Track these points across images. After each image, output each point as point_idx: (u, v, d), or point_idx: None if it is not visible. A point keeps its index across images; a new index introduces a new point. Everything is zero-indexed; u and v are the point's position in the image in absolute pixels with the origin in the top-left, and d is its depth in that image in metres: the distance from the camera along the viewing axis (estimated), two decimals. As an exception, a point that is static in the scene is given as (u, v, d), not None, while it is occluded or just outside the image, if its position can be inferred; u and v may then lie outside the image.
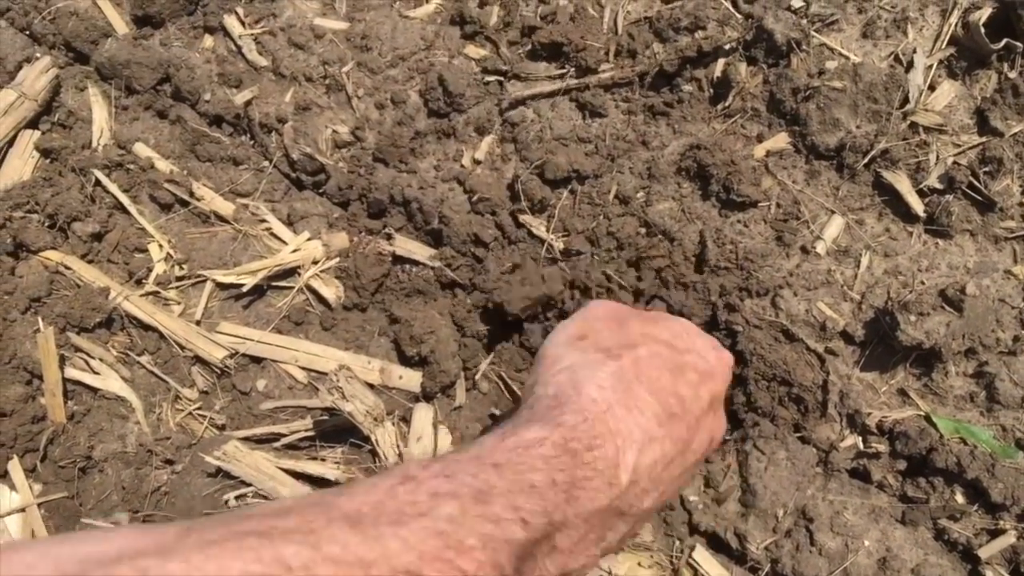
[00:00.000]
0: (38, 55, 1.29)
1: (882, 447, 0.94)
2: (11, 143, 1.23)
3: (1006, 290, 0.93)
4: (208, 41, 1.27)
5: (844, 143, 0.98)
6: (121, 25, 1.30)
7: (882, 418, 0.95)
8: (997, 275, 0.94)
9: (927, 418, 0.93)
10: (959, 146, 0.97)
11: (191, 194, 1.21)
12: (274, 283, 1.18)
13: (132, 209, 1.21)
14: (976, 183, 0.94)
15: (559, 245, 1.08)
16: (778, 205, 1.01)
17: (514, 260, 1.09)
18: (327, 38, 1.19)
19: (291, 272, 1.17)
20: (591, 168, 1.07)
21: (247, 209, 1.21)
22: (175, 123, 1.27)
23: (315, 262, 1.17)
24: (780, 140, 1.02)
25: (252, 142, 1.25)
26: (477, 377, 1.11)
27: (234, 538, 0.39)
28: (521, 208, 1.09)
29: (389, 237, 1.15)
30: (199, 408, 1.14)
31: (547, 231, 1.08)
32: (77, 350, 1.15)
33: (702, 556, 0.94)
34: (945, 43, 0.99)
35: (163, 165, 1.24)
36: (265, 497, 1.05)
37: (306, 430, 1.10)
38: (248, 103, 1.22)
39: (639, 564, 0.94)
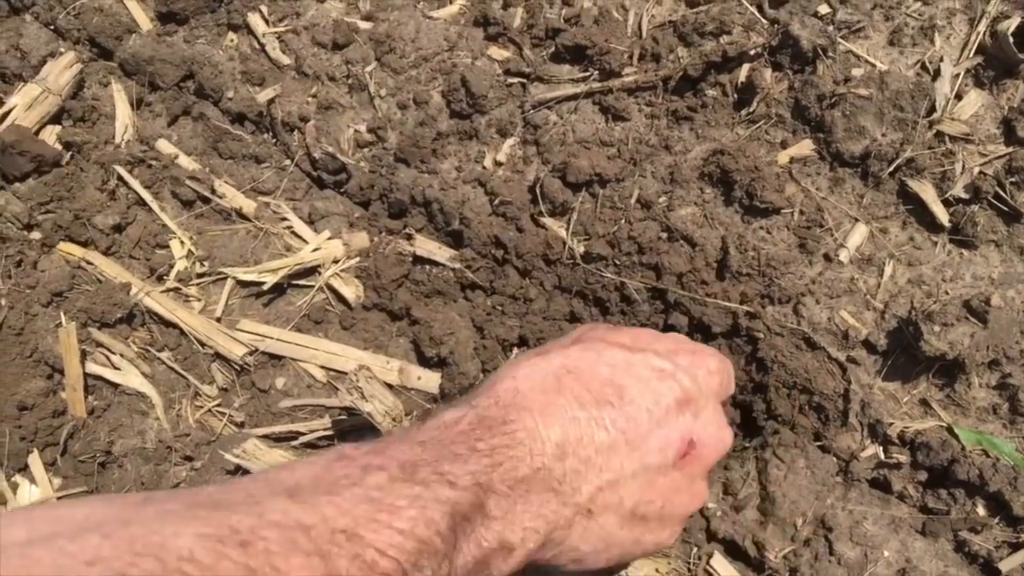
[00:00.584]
0: (62, 50, 1.30)
1: (903, 457, 0.94)
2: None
3: (1031, 302, 0.93)
4: (232, 38, 1.27)
5: (869, 151, 0.98)
6: (145, 21, 1.30)
7: (904, 428, 0.94)
8: (1022, 286, 0.93)
9: (949, 429, 0.93)
10: (985, 156, 0.96)
11: (213, 191, 1.22)
12: (294, 281, 1.18)
13: (154, 205, 1.22)
14: (1002, 193, 0.93)
15: (580, 249, 1.08)
16: (801, 212, 1.01)
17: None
18: (350, 37, 1.19)
19: (311, 271, 1.18)
20: (613, 172, 1.07)
21: (268, 207, 1.22)
22: (198, 120, 1.27)
23: (335, 261, 1.17)
24: (804, 147, 1.02)
25: (274, 140, 1.25)
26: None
27: (187, 509, 0.43)
28: (542, 211, 1.09)
29: (409, 237, 1.16)
30: (218, 405, 1.14)
31: (568, 234, 1.08)
32: (98, 345, 1.15)
33: (720, 563, 0.94)
34: (973, 52, 0.98)
35: (185, 162, 1.25)
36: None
37: (324, 429, 1.10)
38: (271, 101, 1.22)
39: (656, 570, 0.94)
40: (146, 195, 1.22)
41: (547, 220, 1.09)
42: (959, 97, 0.98)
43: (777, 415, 1.00)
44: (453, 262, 1.13)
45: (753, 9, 1.06)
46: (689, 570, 0.95)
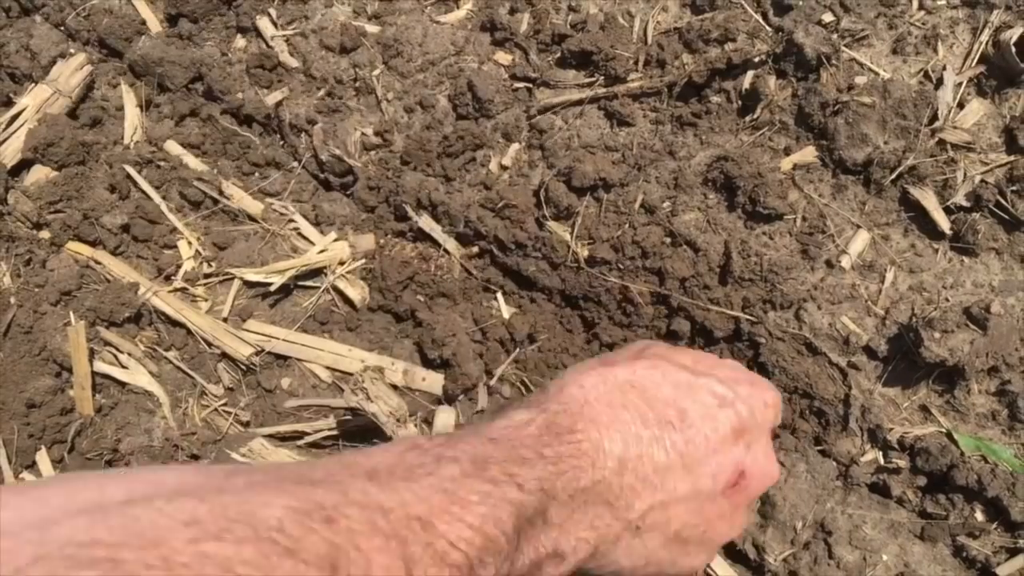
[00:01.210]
0: (72, 51, 1.31)
1: (903, 462, 0.95)
2: (45, 138, 1.25)
3: (1031, 309, 0.93)
4: (240, 41, 1.28)
5: (872, 158, 0.99)
6: (155, 23, 1.31)
7: (903, 434, 0.95)
8: (1023, 294, 0.94)
9: (948, 435, 0.94)
10: (987, 164, 0.97)
11: (220, 192, 1.23)
12: (301, 283, 1.19)
13: (162, 206, 1.23)
14: (1003, 201, 0.94)
15: (584, 253, 1.09)
16: (804, 218, 1.02)
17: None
18: (358, 41, 1.20)
19: (317, 272, 1.19)
20: (617, 177, 1.08)
21: (275, 209, 1.23)
22: (206, 122, 1.28)
23: (341, 263, 1.18)
24: (807, 154, 1.03)
25: (282, 142, 1.26)
26: (499, 381, 1.12)
27: (275, 482, 0.44)
28: (546, 215, 1.10)
29: (406, 218, 1.16)
30: (224, 404, 1.15)
31: (572, 238, 1.09)
32: (106, 344, 1.16)
33: (720, 566, 0.95)
34: (975, 61, 0.99)
35: (193, 163, 1.26)
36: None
37: (329, 429, 1.11)
38: (279, 104, 1.23)
39: (657, 572, 0.95)
40: (155, 195, 1.23)
41: (552, 224, 1.10)
42: (961, 106, 0.99)
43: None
44: (458, 249, 1.14)
45: (758, 17, 1.07)
46: (689, 572, 0.96)
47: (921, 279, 0.98)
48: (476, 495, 0.49)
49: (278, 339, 1.16)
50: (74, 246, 1.21)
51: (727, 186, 1.05)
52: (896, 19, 1.03)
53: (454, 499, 0.48)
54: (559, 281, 1.11)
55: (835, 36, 1.02)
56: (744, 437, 0.69)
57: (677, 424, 0.64)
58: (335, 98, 1.21)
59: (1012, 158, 0.96)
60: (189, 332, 1.17)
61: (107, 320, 1.16)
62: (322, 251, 1.18)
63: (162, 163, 1.26)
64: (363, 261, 1.18)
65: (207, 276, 1.20)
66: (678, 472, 0.64)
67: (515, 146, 1.15)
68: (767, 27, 1.06)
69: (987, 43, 0.99)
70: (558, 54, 1.14)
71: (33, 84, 1.27)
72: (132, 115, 1.29)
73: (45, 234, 1.21)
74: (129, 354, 1.16)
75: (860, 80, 1.01)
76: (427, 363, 1.15)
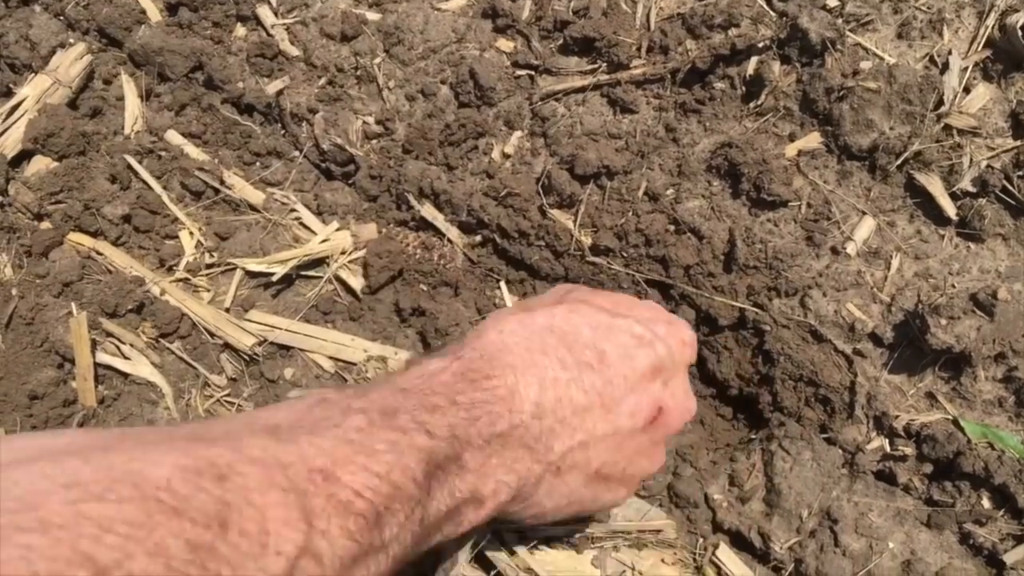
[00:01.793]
0: (72, 41, 1.30)
1: (909, 450, 0.94)
2: (45, 128, 1.25)
3: (1038, 295, 0.93)
4: (240, 30, 1.27)
5: (877, 144, 0.98)
6: (155, 12, 1.31)
7: (909, 421, 0.95)
8: (1029, 280, 0.94)
9: (955, 422, 0.93)
10: (993, 149, 0.96)
11: (222, 182, 1.22)
12: (303, 272, 1.19)
13: (164, 196, 1.22)
14: (1009, 187, 0.93)
15: (587, 241, 1.08)
16: (809, 205, 1.01)
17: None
18: (359, 29, 1.19)
19: (320, 262, 1.18)
20: (621, 164, 1.07)
21: (277, 199, 1.22)
22: (207, 111, 1.28)
23: (343, 252, 1.18)
24: (812, 140, 1.02)
25: (283, 132, 1.25)
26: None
27: (167, 441, 0.44)
28: (549, 203, 1.09)
29: (409, 207, 1.16)
30: (227, 395, 1.15)
31: (575, 226, 1.09)
32: (108, 335, 1.16)
33: (725, 554, 0.95)
34: (981, 45, 0.98)
35: (194, 152, 1.25)
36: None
37: (333, 419, 1.11)
38: (279, 93, 1.23)
39: (662, 560, 0.95)
40: (156, 185, 1.22)
41: (555, 212, 1.10)
42: (967, 91, 0.98)
43: (783, 407, 1.00)
44: (461, 238, 1.14)
45: (761, 2, 1.06)
46: (695, 560, 0.96)
47: (927, 265, 0.97)
48: (383, 444, 0.50)
49: (281, 329, 1.15)
50: (75, 237, 1.20)
51: (731, 173, 1.04)
52: (901, 3, 1.02)
53: (360, 449, 0.49)
54: (562, 269, 1.11)
55: (840, 21, 1.01)
56: (662, 375, 0.70)
57: (596, 365, 0.66)
58: (336, 87, 1.21)
59: (1018, 143, 0.95)
60: (192, 323, 1.16)
61: (110, 312, 1.16)
62: (324, 241, 1.18)
63: (163, 153, 1.25)
64: (365, 250, 1.17)
65: (209, 266, 1.20)
66: (597, 412, 0.65)
67: (517, 134, 1.14)
68: (771, 12, 1.05)
69: (993, 27, 0.98)
70: (560, 41, 1.14)
71: (33, 74, 1.27)
72: (132, 105, 1.28)
73: (46, 225, 1.20)
74: (131, 345, 1.15)
75: (865, 65, 1.00)
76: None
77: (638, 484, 0.75)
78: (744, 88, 1.06)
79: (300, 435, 0.48)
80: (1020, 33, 0.94)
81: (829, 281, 0.99)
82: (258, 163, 1.25)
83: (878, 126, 0.98)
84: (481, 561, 0.87)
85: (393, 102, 1.19)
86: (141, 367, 1.15)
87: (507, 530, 0.89)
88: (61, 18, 1.32)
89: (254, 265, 1.17)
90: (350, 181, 1.23)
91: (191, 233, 1.21)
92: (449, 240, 1.17)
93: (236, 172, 1.24)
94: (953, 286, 0.95)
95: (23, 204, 1.18)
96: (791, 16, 1.01)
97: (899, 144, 0.97)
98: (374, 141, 1.20)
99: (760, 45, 1.04)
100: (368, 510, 0.47)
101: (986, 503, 0.90)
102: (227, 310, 1.17)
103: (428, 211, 1.16)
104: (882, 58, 1.00)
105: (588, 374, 0.65)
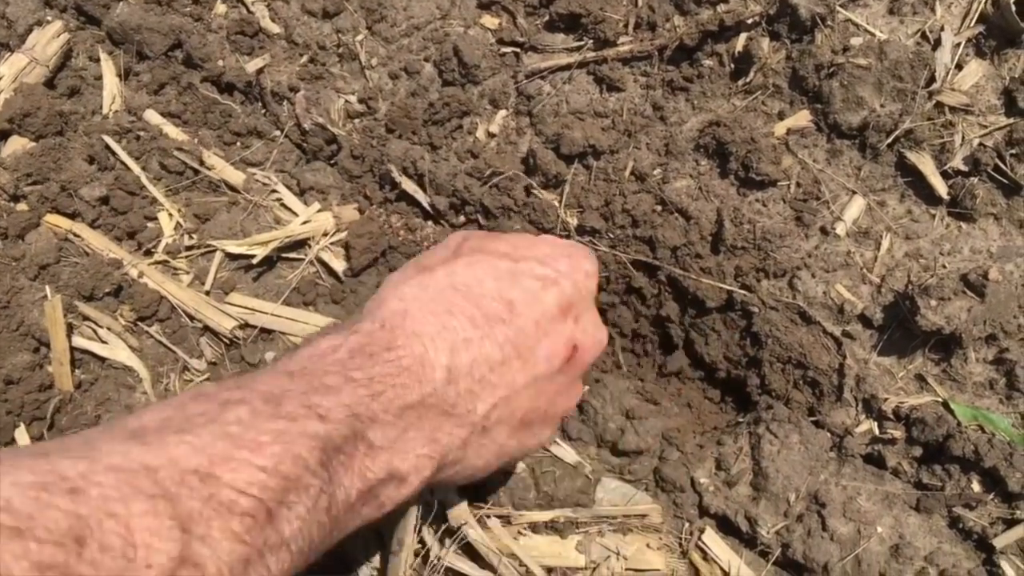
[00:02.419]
0: (49, 18, 1.28)
1: (898, 433, 0.93)
2: (21, 108, 1.22)
3: (1030, 276, 0.91)
4: (220, 7, 1.25)
5: (867, 122, 0.96)
6: (132, -11, 1.28)
7: (899, 404, 0.93)
8: (1021, 260, 0.92)
9: (945, 404, 0.92)
10: (985, 127, 0.95)
11: (201, 162, 1.20)
12: (284, 255, 1.17)
13: (143, 177, 1.20)
14: (1002, 166, 0.92)
15: (573, 221, 1.06)
16: (798, 184, 0.99)
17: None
18: (341, 5, 1.17)
19: (301, 244, 1.16)
20: (607, 143, 1.05)
21: (257, 179, 1.20)
22: (186, 90, 1.25)
23: (325, 234, 1.15)
24: (802, 118, 1.00)
25: (264, 111, 1.23)
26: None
27: (9, 458, 0.41)
28: (534, 183, 1.07)
29: (393, 187, 1.14)
30: (207, 379, 1.13)
31: (561, 206, 1.07)
32: (85, 318, 1.14)
33: (712, 539, 0.93)
34: (974, 21, 0.96)
35: (173, 132, 1.23)
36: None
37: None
38: (260, 71, 1.20)
39: (647, 545, 0.93)
40: (134, 166, 1.20)
41: (540, 192, 1.08)
42: (959, 67, 0.96)
43: (771, 390, 0.99)
44: (439, 203, 1.12)
45: (751, -23, 1.04)
46: (680, 545, 0.94)
47: (918, 245, 0.95)
48: (268, 435, 0.47)
49: (262, 312, 1.13)
50: (52, 219, 1.18)
51: (719, 152, 1.02)
52: (893, -22, 1.00)
53: (240, 443, 0.46)
54: (548, 251, 1.09)
55: (830, -4, 0.99)
56: (571, 312, 0.69)
57: (506, 317, 0.64)
58: (318, 64, 1.18)
59: (1011, 121, 0.93)
60: (171, 306, 1.14)
61: (86, 294, 1.14)
62: (306, 222, 1.16)
63: (142, 133, 1.22)
64: (347, 232, 1.15)
65: (188, 248, 1.17)
66: (515, 364, 0.64)
67: (502, 112, 1.12)
68: (760, -12, 1.03)
69: (986, 2, 0.96)
70: (546, 17, 1.11)
71: (9, 53, 1.24)
72: (111, 84, 1.26)
73: (23, 206, 1.18)
74: (108, 328, 1.13)
75: (856, 41, 0.98)
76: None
77: (558, 421, 0.75)
78: (733, 65, 1.04)
79: (168, 435, 0.45)
80: (1014, 8, 0.92)
81: (818, 262, 0.98)
82: (238, 143, 1.23)
83: (868, 104, 0.96)
84: (467, 549, 0.85)
85: (376, 80, 1.17)
86: (118, 351, 1.12)
87: (491, 516, 0.87)
88: (37, -5, 1.29)
89: (234, 247, 1.15)
90: (332, 161, 1.21)
91: (170, 215, 1.19)
92: (432, 220, 1.15)
93: (216, 152, 1.21)
94: (944, 266, 0.93)
95: (-2, 185, 1.16)
96: (780, -9, 0.99)
97: (890, 122, 0.95)
98: (356, 120, 1.18)
99: (749, 21, 1.02)
100: (256, 508, 0.44)
101: (976, 487, 0.89)
102: (207, 293, 1.15)
103: (409, 185, 1.14)
104: (873, 34, 0.98)
105: (499, 327, 0.63)
